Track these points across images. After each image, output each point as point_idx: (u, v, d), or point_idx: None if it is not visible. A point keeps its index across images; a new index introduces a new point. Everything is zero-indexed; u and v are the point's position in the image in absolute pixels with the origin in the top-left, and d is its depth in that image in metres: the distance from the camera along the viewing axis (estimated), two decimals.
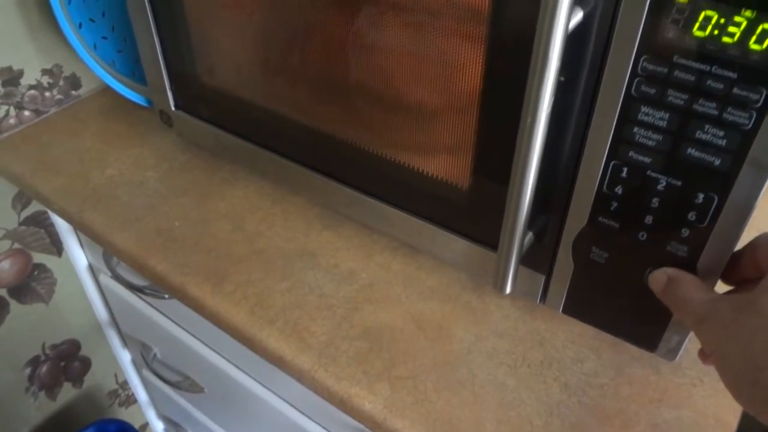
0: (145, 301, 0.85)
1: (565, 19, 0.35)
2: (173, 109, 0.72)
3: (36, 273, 0.90)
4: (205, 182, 0.73)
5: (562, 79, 0.42)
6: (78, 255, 0.91)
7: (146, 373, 1.02)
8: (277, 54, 0.59)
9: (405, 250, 0.65)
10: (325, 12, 0.52)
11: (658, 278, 0.45)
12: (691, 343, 0.54)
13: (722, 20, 0.35)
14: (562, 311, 0.55)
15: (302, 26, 0.55)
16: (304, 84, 0.59)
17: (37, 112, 0.81)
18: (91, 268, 0.93)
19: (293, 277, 0.62)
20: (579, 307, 0.54)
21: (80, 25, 0.75)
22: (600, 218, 0.47)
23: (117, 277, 0.83)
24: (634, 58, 0.38)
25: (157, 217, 0.69)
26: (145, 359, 0.94)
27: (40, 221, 0.87)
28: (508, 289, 0.50)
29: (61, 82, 0.83)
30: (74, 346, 1.01)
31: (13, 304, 0.89)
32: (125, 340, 1.05)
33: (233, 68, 0.65)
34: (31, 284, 0.90)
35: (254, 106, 0.64)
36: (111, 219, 0.69)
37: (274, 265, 0.64)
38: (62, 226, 0.88)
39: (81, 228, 0.70)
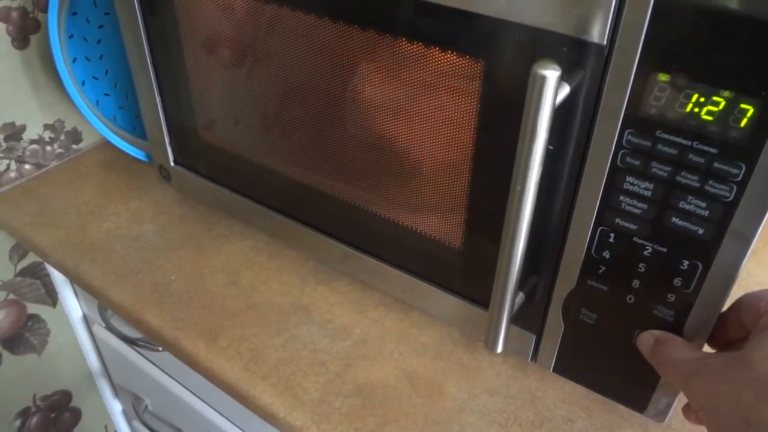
0: (139, 352, 0.85)
1: (552, 95, 0.37)
2: (172, 164, 0.73)
3: (30, 324, 0.90)
4: (201, 236, 0.74)
5: (551, 148, 0.44)
6: (73, 306, 0.91)
7: (137, 424, 1.01)
8: (274, 112, 0.61)
9: (398, 306, 0.66)
10: (321, 72, 0.54)
11: (646, 340, 0.46)
12: (680, 404, 0.55)
13: (702, 99, 0.37)
14: (553, 370, 0.55)
15: (298, 86, 0.57)
16: (300, 142, 0.60)
17: (37, 166, 0.83)
18: (86, 319, 0.94)
19: (287, 333, 0.63)
20: (569, 366, 0.54)
21: (83, 83, 0.77)
22: (589, 281, 0.48)
23: (111, 329, 0.83)
24: (619, 131, 0.40)
25: (154, 271, 0.70)
26: (136, 411, 0.94)
27: (36, 272, 0.88)
28: (499, 348, 0.50)
29: (63, 137, 0.84)
30: (65, 397, 1.00)
31: (6, 355, 0.89)
32: (117, 391, 1.04)
33: (231, 126, 0.66)
34: (24, 335, 0.90)
35: (251, 162, 0.66)
36: (107, 273, 0.69)
37: (269, 320, 0.64)
38: (58, 276, 0.89)
39: (77, 281, 0.71)
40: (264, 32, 0.56)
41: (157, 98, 0.69)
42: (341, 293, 0.67)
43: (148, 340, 0.77)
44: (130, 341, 0.81)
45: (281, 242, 0.73)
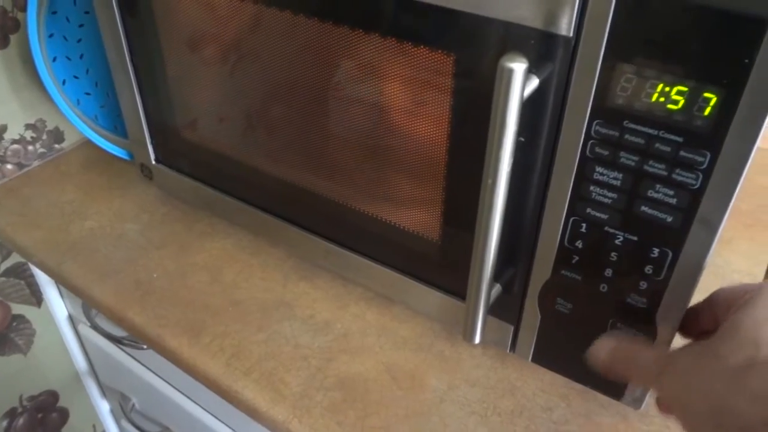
0: (125, 351, 0.85)
1: (519, 88, 0.38)
2: (153, 162, 0.74)
3: (15, 324, 0.90)
4: (184, 234, 0.74)
5: (522, 139, 0.44)
6: (58, 305, 0.92)
7: (125, 423, 1.01)
8: (253, 110, 0.61)
9: (380, 300, 0.66)
10: (297, 69, 0.55)
11: (602, 347, 0.43)
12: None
13: (667, 89, 0.38)
14: (532, 360, 0.56)
15: (274, 83, 0.57)
16: (280, 139, 0.61)
17: (19, 166, 0.83)
18: (71, 318, 0.94)
19: (270, 329, 0.63)
20: (547, 356, 0.55)
21: (64, 82, 0.77)
22: (563, 271, 0.49)
23: (96, 328, 0.83)
24: (588, 122, 0.41)
25: (136, 269, 0.70)
26: (123, 410, 0.94)
27: (20, 273, 0.88)
28: (476, 339, 0.51)
29: (44, 136, 0.84)
30: (52, 397, 1.01)
31: None
32: (104, 391, 1.04)
33: (212, 123, 0.67)
34: (9, 335, 0.90)
35: (232, 160, 0.66)
36: (90, 271, 0.70)
37: (251, 316, 0.65)
38: (42, 276, 0.89)
39: (60, 280, 0.71)
40: (240, 30, 0.56)
41: (137, 97, 0.69)
42: (323, 289, 0.68)
43: (133, 338, 0.78)
44: (115, 340, 0.81)
45: (263, 239, 0.73)
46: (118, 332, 0.80)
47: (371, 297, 0.67)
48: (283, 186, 0.63)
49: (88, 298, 0.69)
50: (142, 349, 0.78)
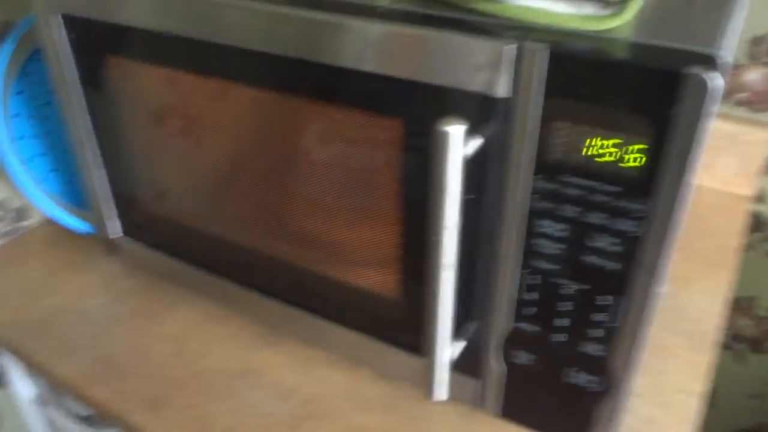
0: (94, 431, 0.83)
1: (457, 150, 0.39)
2: (118, 235, 0.74)
3: None
4: (149, 306, 0.74)
5: (473, 197, 0.46)
6: (24, 386, 0.89)
7: None
8: (214, 180, 0.62)
9: (345, 363, 0.66)
10: (257, 140, 0.56)
11: None
12: None
13: (600, 142, 0.39)
14: (502, 414, 0.56)
15: (235, 154, 0.58)
16: (242, 207, 0.62)
17: None
18: (38, 400, 0.91)
19: (235, 398, 0.63)
20: (517, 409, 0.55)
21: (32, 159, 0.78)
22: (522, 323, 0.49)
23: (62, 407, 0.81)
24: (530, 177, 0.42)
25: (100, 344, 0.69)
26: None
27: None
28: (442, 396, 0.51)
29: (10, 215, 0.84)
30: None
31: None
32: None
33: (175, 196, 0.67)
34: None
35: (196, 230, 0.67)
36: (53, 350, 0.69)
37: (216, 386, 0.64)
38: (7, 356, 0.87)
39: (24, 360, 0.70)
40: (194, 105, 0.58)
41: (100, 173, 0.70)
42: (288, 354, 0.67)
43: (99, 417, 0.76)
44: (82, 419, 0.79)
45: (229, 307, 0.73)
46: (86, 411, 0.78)
47: (336, 360, 0.66)
48: (246, 254, 0.64)
49: (50, 377, 0.68)
50: (113, 427, 0.77)
